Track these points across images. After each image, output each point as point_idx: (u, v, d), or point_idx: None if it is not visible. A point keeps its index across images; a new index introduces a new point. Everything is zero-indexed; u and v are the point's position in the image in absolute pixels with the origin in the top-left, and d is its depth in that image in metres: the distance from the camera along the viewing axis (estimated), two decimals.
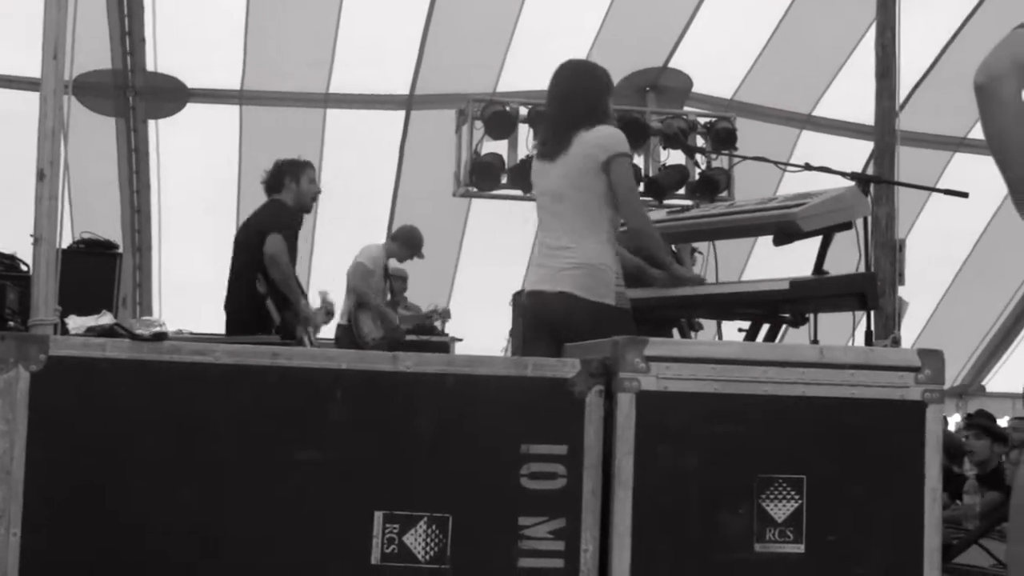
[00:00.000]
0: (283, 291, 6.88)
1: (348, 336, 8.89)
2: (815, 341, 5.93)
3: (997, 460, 9.31)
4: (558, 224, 4.89)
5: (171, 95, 13.06)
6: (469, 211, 13.85)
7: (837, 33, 12.97)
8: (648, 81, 12.85)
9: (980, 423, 9.59)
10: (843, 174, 5.06)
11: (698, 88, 13.23)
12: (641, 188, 10.19)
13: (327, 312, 7.98)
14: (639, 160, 10.74)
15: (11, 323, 6.61)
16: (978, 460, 9.24)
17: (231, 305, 7.20)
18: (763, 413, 3.32)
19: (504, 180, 10.66)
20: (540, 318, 4.86)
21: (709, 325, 7.40)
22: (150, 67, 12.86)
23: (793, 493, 3.30)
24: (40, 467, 3.05)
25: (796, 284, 4.57)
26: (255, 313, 6.83)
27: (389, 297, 9.42)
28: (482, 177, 10.60)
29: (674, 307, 4.83)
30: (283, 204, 7.30)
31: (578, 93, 4.97)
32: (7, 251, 8.04)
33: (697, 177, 10.80)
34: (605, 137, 4.82)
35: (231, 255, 7.46)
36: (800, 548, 3.30)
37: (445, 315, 11.05)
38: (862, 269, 5.02)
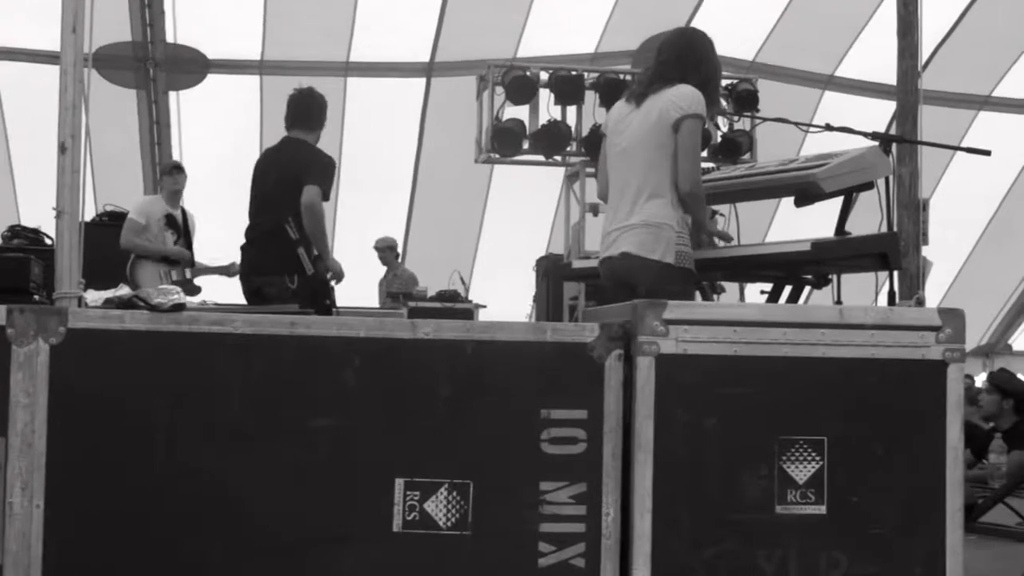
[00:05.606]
0: (316, 242, 6.68)
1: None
2: (838, 302, 5.91)
3: (1011, 418, 9.23)
4: (624, 180, 4.85)
5: (191, 66, 13.08)
6: (491, 177, 13.85)
7: None
8: None
9: (994, 381, 9.48)
10: (864, 134, 5.01)
11: (719, 50, 13.15)
12: None
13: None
14: None
15: (36, 297, 6.65)
16: (984, 415, 9.16)
17: (255, 246, 6.80)
18: (783, 375, 3.31)
19: (526, 145, 10.65)
20: (619, 284, 4.83)
21: (731, 287, 7.39)
22: (170, 38, 12.87)
23: (814, 454, 3.29)
24: (61, 439, 3.06)
25: (818, 245, 4.53)
26: (279, 259, 6.53)
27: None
28: (504, 143, 10.60)
29: (696, 269, 4.81)
30: (328, 161, 6.90)
31: (686, 61, 4.96)
32: (31, 225, 8.09)
33: (719, 139, 10.76)
34: (681, 96, 4.77)
35: (253, 186, 6.85)
36: (822, 509, 3.29)
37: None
38: (884, 229, 4.98)
